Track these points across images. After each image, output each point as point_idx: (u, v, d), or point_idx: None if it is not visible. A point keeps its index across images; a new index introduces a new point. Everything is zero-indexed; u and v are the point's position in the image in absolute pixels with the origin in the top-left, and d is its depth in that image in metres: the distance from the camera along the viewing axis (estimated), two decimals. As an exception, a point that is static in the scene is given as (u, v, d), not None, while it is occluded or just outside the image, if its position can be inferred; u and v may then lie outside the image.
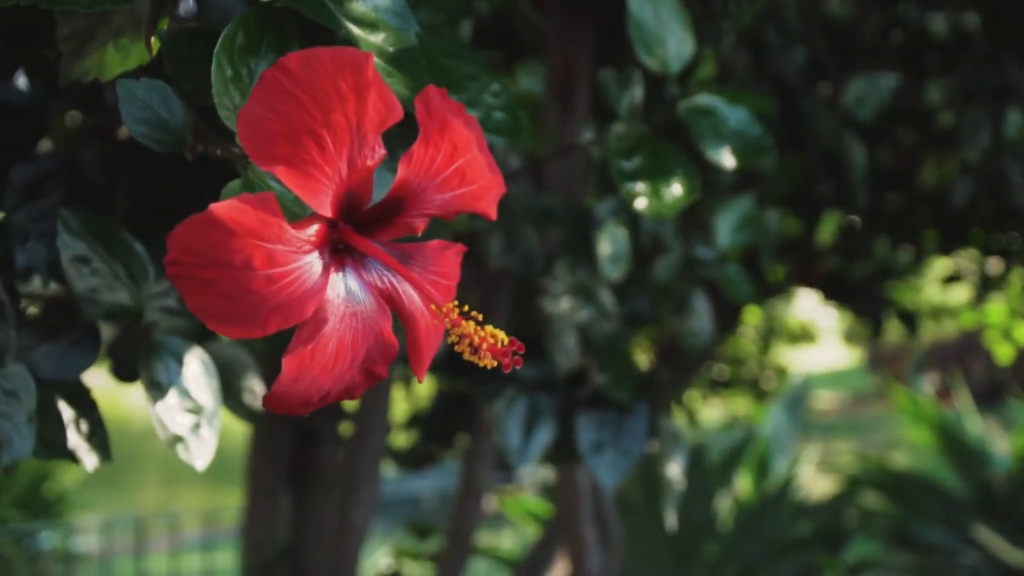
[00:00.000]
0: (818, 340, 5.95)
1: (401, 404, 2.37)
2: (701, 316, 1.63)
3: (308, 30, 0.69)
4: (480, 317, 0.58)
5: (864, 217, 2.31)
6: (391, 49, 0.70)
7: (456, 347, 0.58)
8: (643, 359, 2.77)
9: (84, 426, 0.94)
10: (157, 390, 0.91)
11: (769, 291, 2.53)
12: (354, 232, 0.59)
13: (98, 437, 0.95)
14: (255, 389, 1.22)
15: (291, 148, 0.54)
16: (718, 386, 3.83)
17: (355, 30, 0.68)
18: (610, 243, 1.40)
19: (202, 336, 1.18)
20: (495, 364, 0.57)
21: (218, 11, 0.85)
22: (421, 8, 0.95)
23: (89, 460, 0.94)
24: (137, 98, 0.66)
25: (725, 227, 1.57)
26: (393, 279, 0.61)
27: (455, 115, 0.61)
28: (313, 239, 0.57)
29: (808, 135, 1.75)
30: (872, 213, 2.25)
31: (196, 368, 0.94)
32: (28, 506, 5.64)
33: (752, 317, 3.63)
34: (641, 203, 0.98)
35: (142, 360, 0.91)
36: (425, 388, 2.19)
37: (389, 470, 2.62)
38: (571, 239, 1.44)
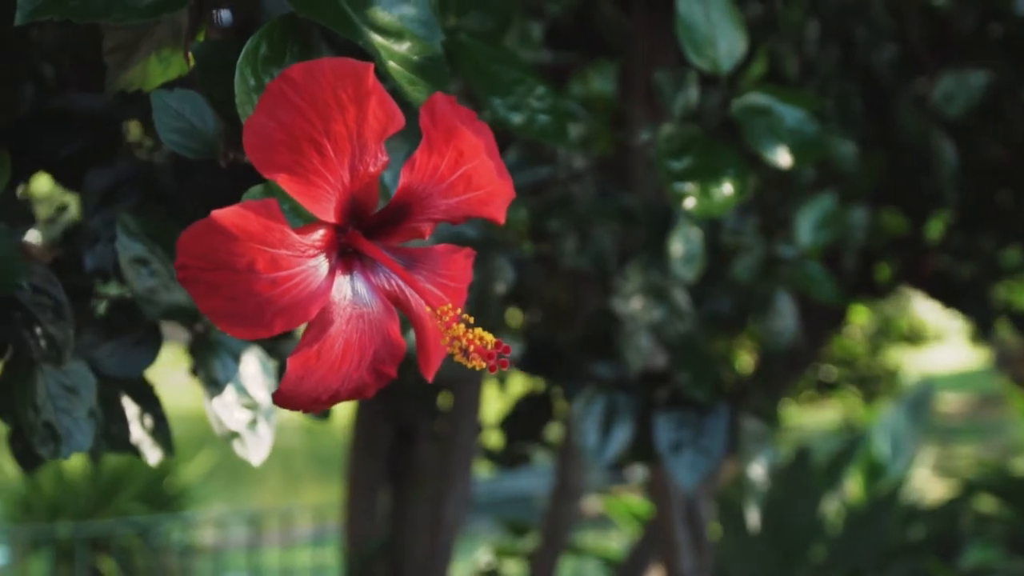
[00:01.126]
0: (939, 340, 5.81)
1: (496, 403, 2.40)
2: (785, 316, 1.62)
3: (333, 41, 0.71)
4: (471, 320, 0.59)
5: (971, 215, 2.26)
6: (415, 58, 0.71)
7: (449, 349, 0.59)
8: (747, 360, 2.75)
9: (148, 421, 0.98)
10: (214, 387, 0.94)
11: (875, 291, 2.49)
12: (362, 237, 0.61)
13: (161, 432, 0.98)
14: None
15: (293, 156, 0.56)
16: (826, 387, 3.77)
17: (378, 39, 0.70)
18: (683, 243, 1.40)
19: (276, 336, 1.21)
20: (483, 366, 0.59)
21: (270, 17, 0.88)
22: (471, 14, 0.97)
23: (152, 454, 0.97)
24: (170, 107, 0.69)
25: (806, 225, 1.55)
26: (400, 282, 0.63)
27: (464, 122, 0.62)
28: (318, 243, 0.59)
29: (897, 132, 1.72)
30: (981, 210, 2.20)
31: (254, 366, 0.97)
32: (150, 500, 5.82)
33: (859, 317, 3.57)
34: (690, 203, 0.99)
35: (199, 358, 0.95)
36: (518, 388, 2.21)
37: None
38: (649, 239, 1.44)
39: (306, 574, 4.85)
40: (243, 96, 0.65)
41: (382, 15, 0.71)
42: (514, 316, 2.18)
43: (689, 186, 0.99)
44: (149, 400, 0.98)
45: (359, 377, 0.62)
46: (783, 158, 1.03)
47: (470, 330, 0.59)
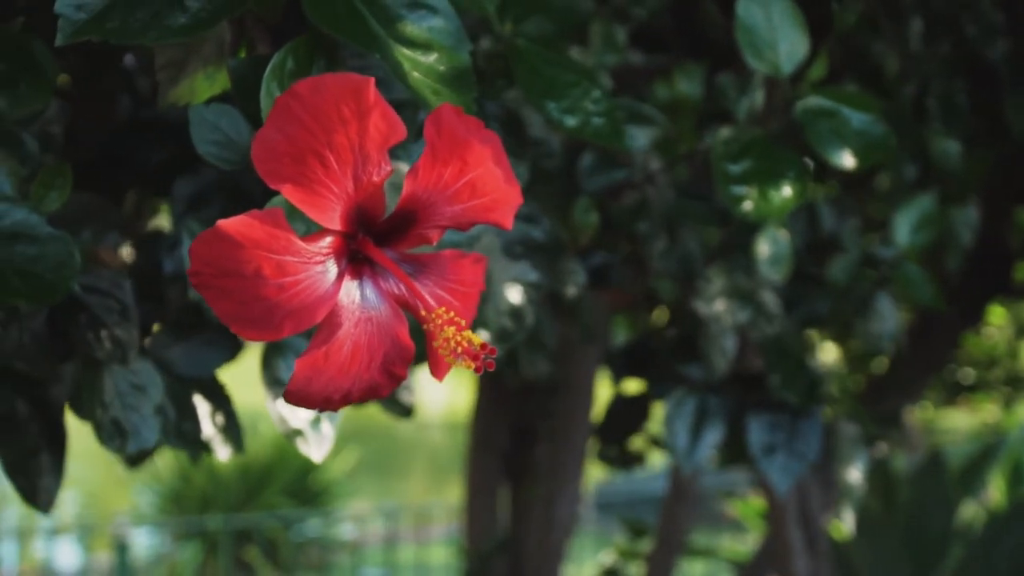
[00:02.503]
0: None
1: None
2: (885, 318, 1.59)
3: (359, 54, 0.74)
4: (463, 322, 0.61)
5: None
6: (442, 68, 0.73)
7: (441, 351, 0.62)
8: (883, 363, 2.69)
9: (219, 419, 1.03)
10: (278, 386, 0.98)
11: (1012, 291, 2.42)
12: (371, 243, 0.64)
13: (231, 430, 1.03)
14: (410, 386, 1.29)
15: (297, 167, 0.59)
16: (962, 390, 3.67)
17: (406, 51, 0.72)
18: (770, 244, 1.39)
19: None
20: (470, 365, 0.61)
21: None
22: (531, 19, 0.99)
23: (222, 451, 1.02)
24: (207, 120, 0.73)
25: (904, 226, 1.53)
26: (421, 289, 0.65)
27: (470, 131, 0.64)
28: (326, 250, 0.62)
29: (1006, 129, 1.68)
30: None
31: (319, 367, 1.00)
32: (296, 495, 5.98)
33: (997, 318, 3.46)
34: (747, 206, 0.99)
35: (265, 358, 0.99)
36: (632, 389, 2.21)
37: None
38: (736, 241, 1.44)
39: (440, 571, 4.93)
40: (269, 109, 0.68)
41: (411, 28, 0.74)
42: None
43: (747, 189, 0.99)
44: (220, 399, 1.03)
45: (370, 378, 0.64)
46: (847, 160, 1.02)
47: (459, 332, 0.61)
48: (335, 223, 0.61)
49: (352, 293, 0.63)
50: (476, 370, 0.61)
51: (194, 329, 1.00)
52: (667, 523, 2.44)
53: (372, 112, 0.60)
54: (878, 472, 3.04)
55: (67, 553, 6.23)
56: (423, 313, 0.65)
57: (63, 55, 1.10)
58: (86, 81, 1.13)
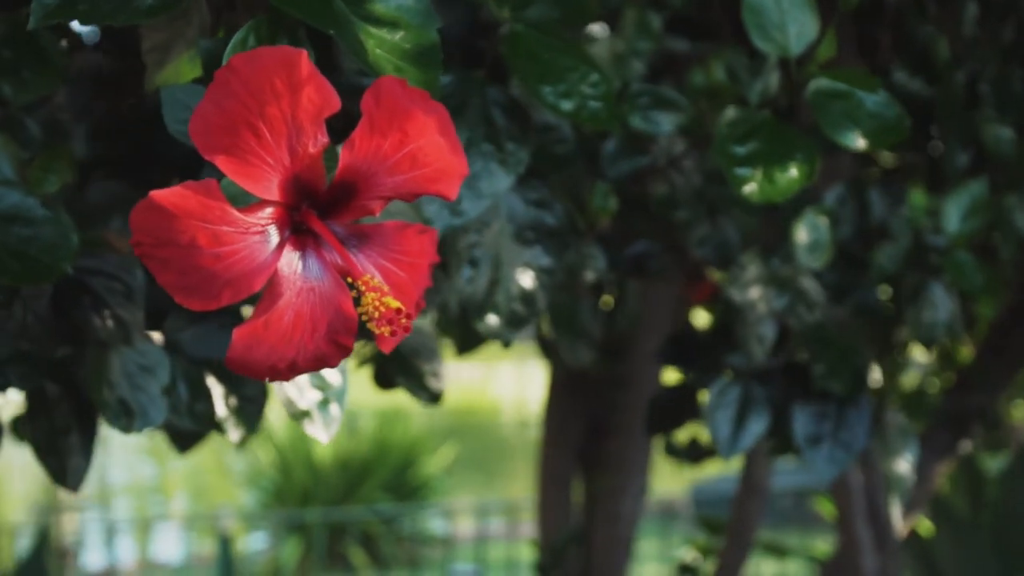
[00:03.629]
0: None
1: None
2: (938, 308, 1.56)
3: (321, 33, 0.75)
4: (385, 288, 0.62)
5: None
6: (408, 46, 0.74)
7: (363, 317, 0.62)
8: (967, 353, 2.62)
9: (232, 400, 1.05)
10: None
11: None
12: (313, 215, 0.65)
13: (245, 411, 1.05)
14: (438, 373, 1.30)
15: (230, 139, 0.60)
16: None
17: (372, 29, 0.73)
18: (809, 231, 1.37)
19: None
20: (387, 330, 0.62)
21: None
22: (534, 5, 0.99)
23: (234, 433, 1.04)
24: (178, 100, 0.74)
25: (955, 213, 1.49)
26: (352, 257, 0.66)
27: (414, 103, 0.65)
28: (265, 220, 0.63)
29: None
30: None
31: (328, 348, 1.02)
32: (395, 490, 6.05)
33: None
34: (750, 188, 0.98)
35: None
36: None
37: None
38: (775, 227, 1.43)
39: (530, 569, 4.94)
40: (230, 87, 0.70)
41: (378, 6, 0.75)
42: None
43: (751, 171, 0.98)
44: (235, 381, 1.05)
45: (315, 347, 0.65)
46: (859, 143, 1.00)
47: (380, 298, 0.62)
48: (272, 194, 0.62)
49: (294, 263, 0.65)
50: (392, 334, 0.62)
51: (207, 313, 1.02)
52: (737, 520, 2.42)
53: (305, 84, 0.61)
54: (965, 470, 2.97)
55: (174, 546, 6.39)
56: (347, 280, 0.66)
57: (97, 50, 1.14)
58: (118, 74, 1.16)
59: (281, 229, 0.64)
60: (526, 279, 1.08)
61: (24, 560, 2.90)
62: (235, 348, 0.63)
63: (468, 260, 1.05)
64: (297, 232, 0.65)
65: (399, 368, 1.28)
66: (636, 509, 2.30)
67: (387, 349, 0.67)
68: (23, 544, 5.85)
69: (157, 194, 0.60)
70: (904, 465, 1.56)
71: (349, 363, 1.32)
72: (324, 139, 0.62)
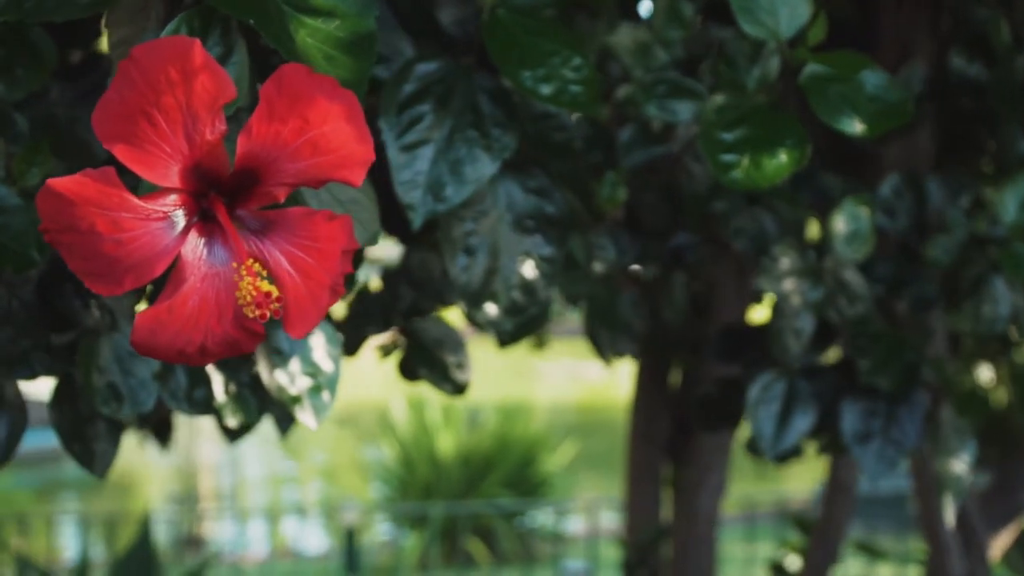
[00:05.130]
0: None
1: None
2: (997, 301, 1.50)
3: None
4: (264, 274, 0.63)
5: None
6: (342, 35, 0.75)
7: (240, 300, 0.63)
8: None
9: (232, 387, 1.07)
10: (277, 356, 1.02)
11: None
12: (219, 201, 0.66)
13: (243, 399, 1.07)
14: (464, 364, 1.31)
15: (127, 127, 0.62)
16: None
17: (306, 19, 0.74)
18: (848, 221, 1.34)
19: (413, 313, 1.29)
20: (256, 313, 0.62)
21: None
22: (522, -11, 0.99)
23: (232, 419, 1.06)
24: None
25: (1012, 203, 1.44)
26: (260, 244, 0.67)
27: (320, 89, 0.65)
28: (168, 207, 0.64)
29: None
30: None
31: (320, 339, 1.03)
32: (516, 486, 6.08)
33: None
34: (735, 175, 0.96)
35: (264, 328, 1.02)
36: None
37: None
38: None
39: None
40: (162, 78, 0.71)
41: (314, -5, 0.76)
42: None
43: (737, 158, 0.96)
44: (234, 369, 1.07)
45: (223, 332, 0.66)
46: (856, 127, 0.98)
47: (253, 282, 0.63)
48: (172, 181, 0.64)
49: (199, 249, 0.66)
50: (261, 317, 0.63)
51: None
52: (825, 520, 2.36)
53: (199, 73, 0.62)
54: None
55: (307, 537, 6.54)
56: (234, 264, 0.66)
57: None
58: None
59: (186, 216, 0.65)
60: (527, 268, 1.08)
61: (131, 547, 3.00)
62: (138, 332, 0.65)
63: (463, 248, 1.06)
64: (205, 219, 0.66)
65: (422, 359, 1.29)
66: (714, 507, 2.27)
67: (297, 336, 0.68)
68: (172, 531, 6.06)
69: (55, 181, 0.62)
70: (960, 465, 1.51)
71: (373, 354, 1.33)
72: (222, 126, 0.64)
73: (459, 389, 1.30)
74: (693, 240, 1.45)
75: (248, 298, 0.62)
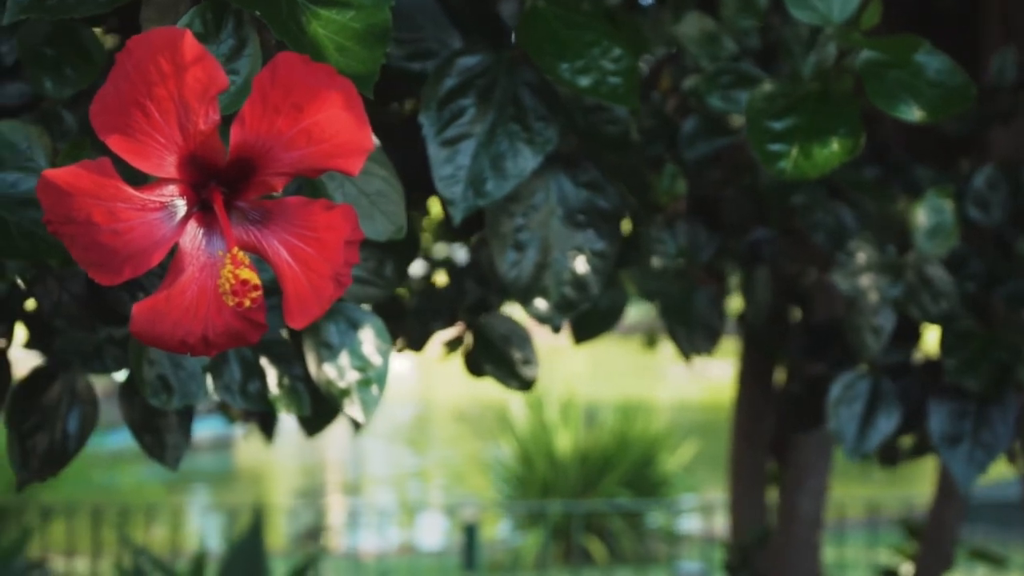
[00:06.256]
0: None
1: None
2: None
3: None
4: (247, 262, 0.62)
5: None
6: (357, 26, 0.74)
7: (219, 288, 0.63)
8: None
9: (285, 381, 1.07)
10: (326, 350, 1.02)
11: None
12: (218, 192, 0.66)
13: (297, 392, 1.07)
14: (531, 360, 1.29)
15: (121, 118, 0.62)
16: None
17: (321, 10, 0.74)
18: (930, 214, 1.29)
19: (480, 309, 1.28)
20: (233, 301, 0.62)
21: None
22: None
23: (285, 413, 1.06)
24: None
25: (1111, 195, 1.37)
26: (259, 234, 0.67)
27: (316, 79, 0.65)
28: (165, 197, 0.65)
29: None
30: None
31: (370, 333, 1.03)
32: (635, 486, 6.04)
33: None
34: (783, 165, 0.93)
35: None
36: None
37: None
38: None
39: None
40: (175, 71, 0.72)
41: (332, -13, 0.75)
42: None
43: (786, 147, 0.93)
44: (287, 362, 1.07)
45: (224, 322, 0.66)
46: (915, 114, 0.93)
47: (234, 270, 0.62)
48: (168, 172, 0.64)
49: (198, 239, 0.66)
50: (238, 306, 0.62)
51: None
52: (934, 526, 2.29)
53: (190, 64, 0.62)
54: None
55: (431, 533, 6.60)
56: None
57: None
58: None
59: (188, 206, 0.65)
60: (579, 263, 1.06)
61: (241, 540, 3.06)
62: (136, 321, 0.65)
63: (513, 244, 1.04)
64: (205, 209, 0.66)
65: (488, 355, 1.28)
66: (815, 509, 2.21)
67: (296, 326, 0.68)
68: (296, 523, 6.18)
69: (51, 172, 0.62)
70: (1056, 469, 1.44)
71: (435, 350, 1.33)
72: (215, 116, 0.63)
73: (526, 385, 1.28)
74: (772, 235, 1.41)
75: (227, 286, 0.62)
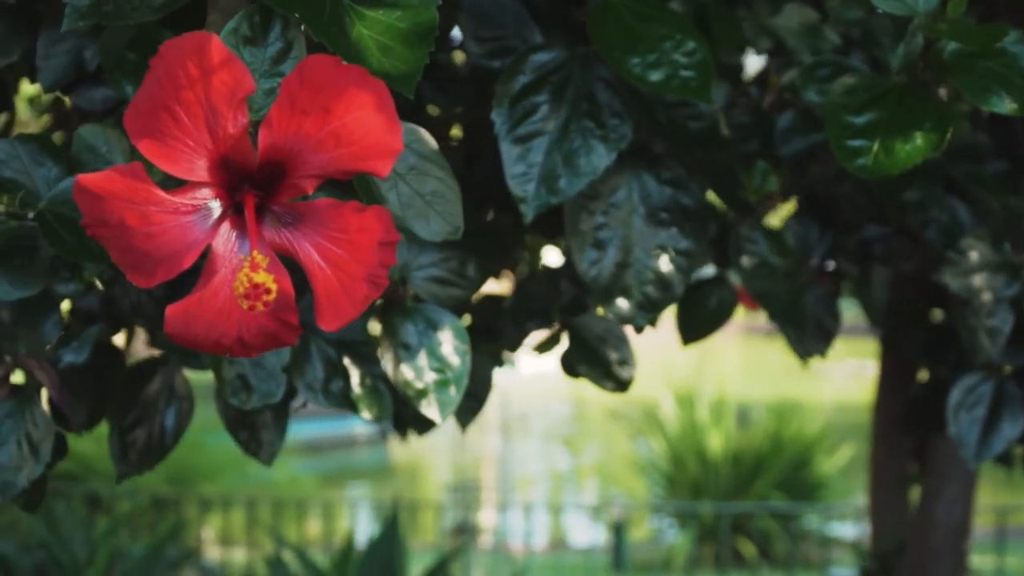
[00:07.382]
0: None
1: None
2: None
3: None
4: (264, 265, 0.62)
5: None
6: (403, 25, 0.74)
7: (235, 291, 0.63)
8: None
9: (368, 381, 1.08)
10: (405, 350, 1.02)
11: None
12: (251, 195, 0.66)
13: (378, 393, 1.07)
14: (628, 360, 1.27)
15: (152, 123, 0.63)
16: None
17: (367, 12, 0.74)
18: (1051, 211, 1.22)
19: (575, 309, 1.27)
20: (246, 304, 0.62)
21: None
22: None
23: (366, 413, 1.07)
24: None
25: None
26: (291, 236, 0.67)
27: (346, 80, 0.64)
28: (198, 200, 0.65)
29: None
30: None
31: (449, 334, 1.03)
32: (789, 488, 5.92)
33: None
34: (863, 162, 0.89)
35: (389, 323, 1.02)
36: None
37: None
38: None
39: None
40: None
41: (379, -12, 0.75)
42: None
43: (866, 143, 0.89)
44: (370, 362, 1.08)
45: (258, 324, 0.67)
46: (1007, 106, 0.88)
47: (249, 272, 0.62)
48: (199, 175, 0.64)
49: (231, 242, 0.66)
50: (250, 309, 0.62)
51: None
52: None
53: (217, 69, 0.62)
54: None
55: (581, 530, 6.60)
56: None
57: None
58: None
59: (222, 209, 0.66)
60: (662, 262, 1.04)
61: (381, 533, 3.11)
62: (170, 323, 0.66)
63: (592, 242, 1.03)
64: (238, 212, 0.67)
65: (583, 355, 1.26)
66: (954, 518, 2.12)
67: (328, 328, 0.67)
68: (448, 518, 6.26)
69: (84, 177, 0.63)
70: None
71: (528, 349, 1.32)
72: (244, 120, 0.64)
73: (622, 386, 1.27)
74: (885, 232, 1.35)
75: (240, 289, 0.62)
